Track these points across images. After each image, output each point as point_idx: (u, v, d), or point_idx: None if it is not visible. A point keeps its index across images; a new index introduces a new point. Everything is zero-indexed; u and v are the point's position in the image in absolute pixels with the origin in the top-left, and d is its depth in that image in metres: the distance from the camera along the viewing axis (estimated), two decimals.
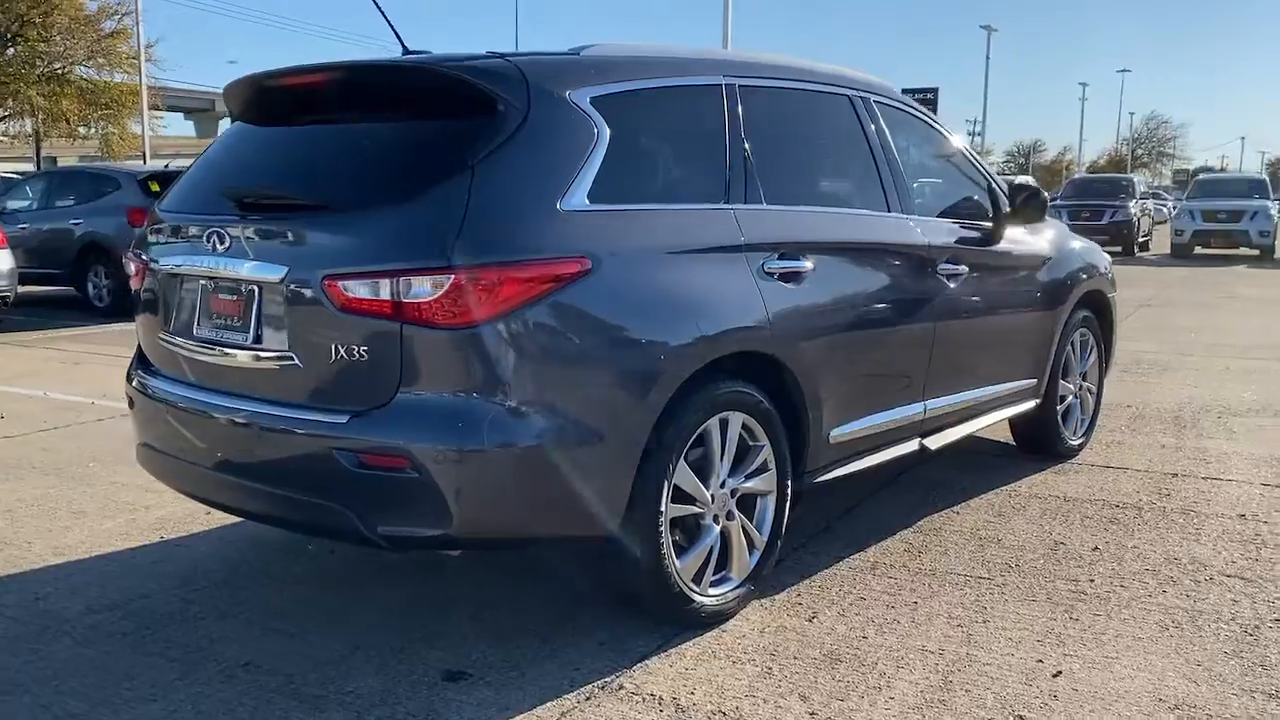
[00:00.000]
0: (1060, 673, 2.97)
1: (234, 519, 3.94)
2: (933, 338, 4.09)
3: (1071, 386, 5.31)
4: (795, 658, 3.08)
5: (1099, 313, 5.46)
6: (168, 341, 3.33)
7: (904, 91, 4.57)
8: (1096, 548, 4.00)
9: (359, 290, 2.77)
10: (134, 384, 3.52)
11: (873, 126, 4.07)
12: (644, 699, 2.85)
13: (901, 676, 2.95)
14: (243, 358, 3.06)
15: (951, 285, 4.17)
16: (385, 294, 2.73)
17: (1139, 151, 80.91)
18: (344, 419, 2.83)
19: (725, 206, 3.34)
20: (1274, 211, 22.26)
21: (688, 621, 3.25)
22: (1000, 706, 2.79)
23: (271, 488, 3.03)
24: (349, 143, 3.23)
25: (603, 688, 2.90)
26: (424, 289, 2.70)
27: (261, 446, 3.04)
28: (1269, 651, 3.11)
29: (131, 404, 3.57)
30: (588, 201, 2.94)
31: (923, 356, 4.07)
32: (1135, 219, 23.01)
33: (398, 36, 3.54)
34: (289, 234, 2.98)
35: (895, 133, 4.18)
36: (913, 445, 4.12)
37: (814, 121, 4.02)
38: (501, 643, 3.17)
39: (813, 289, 3.49)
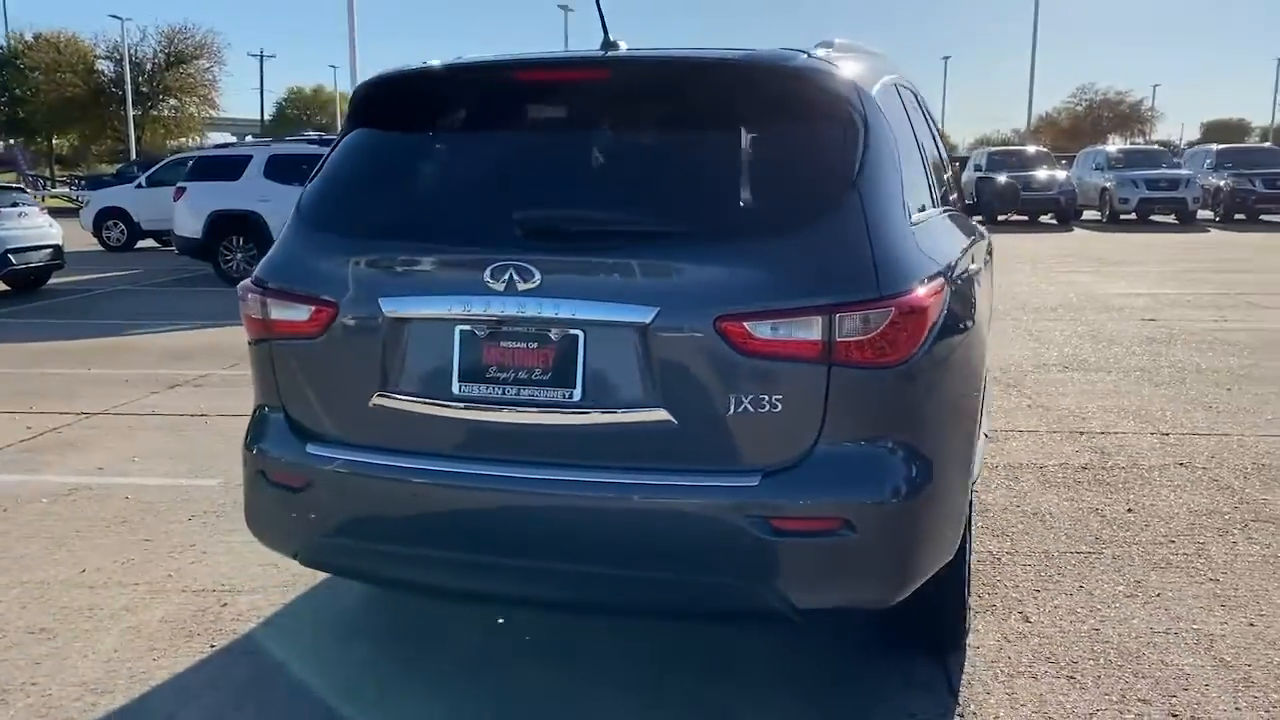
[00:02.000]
0: None
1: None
2: None
3: None
4: (1050, 659, 3.21)
5: None
6: (388, 404, 2.68)
7: None
8: None
9: (774, 331, 2.42)
10: (291, 459, 2.79)
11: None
12: None
13: None
14: (562, 418, 2.54)
15: None
16: (814, 334, 2.42)
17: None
18: (754, 480, 2.46)
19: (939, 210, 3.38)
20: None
21: (958, 648, 3.19)
22: None
23: (630, 571, 2.54)
24: (672, 154, 2.73)
25: None
26: (857, 324, 2.41)
27: (613, 523, 2.53)
28: None
29: (298, 488, 2.80)
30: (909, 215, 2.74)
31: None
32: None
33: (603, 25, 2.94)
34: (644, 269, 2.49)
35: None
36: None
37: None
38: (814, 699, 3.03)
39: None
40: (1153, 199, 24.23)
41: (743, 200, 2.58)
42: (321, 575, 3.87)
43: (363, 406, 2.72)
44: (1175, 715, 2.85)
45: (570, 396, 2.53)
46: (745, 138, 2.65)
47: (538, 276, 2.50)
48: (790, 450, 2.47)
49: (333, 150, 3.04)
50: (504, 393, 2.58)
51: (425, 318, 2.64)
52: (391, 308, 2.64)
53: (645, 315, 2.45)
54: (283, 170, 13.57)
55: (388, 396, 2.69)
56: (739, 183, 2.60)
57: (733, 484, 2.46)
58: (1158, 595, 3.62)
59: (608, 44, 2.92)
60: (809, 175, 2.60)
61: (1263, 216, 24.46)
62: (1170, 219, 24.58)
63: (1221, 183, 24.59)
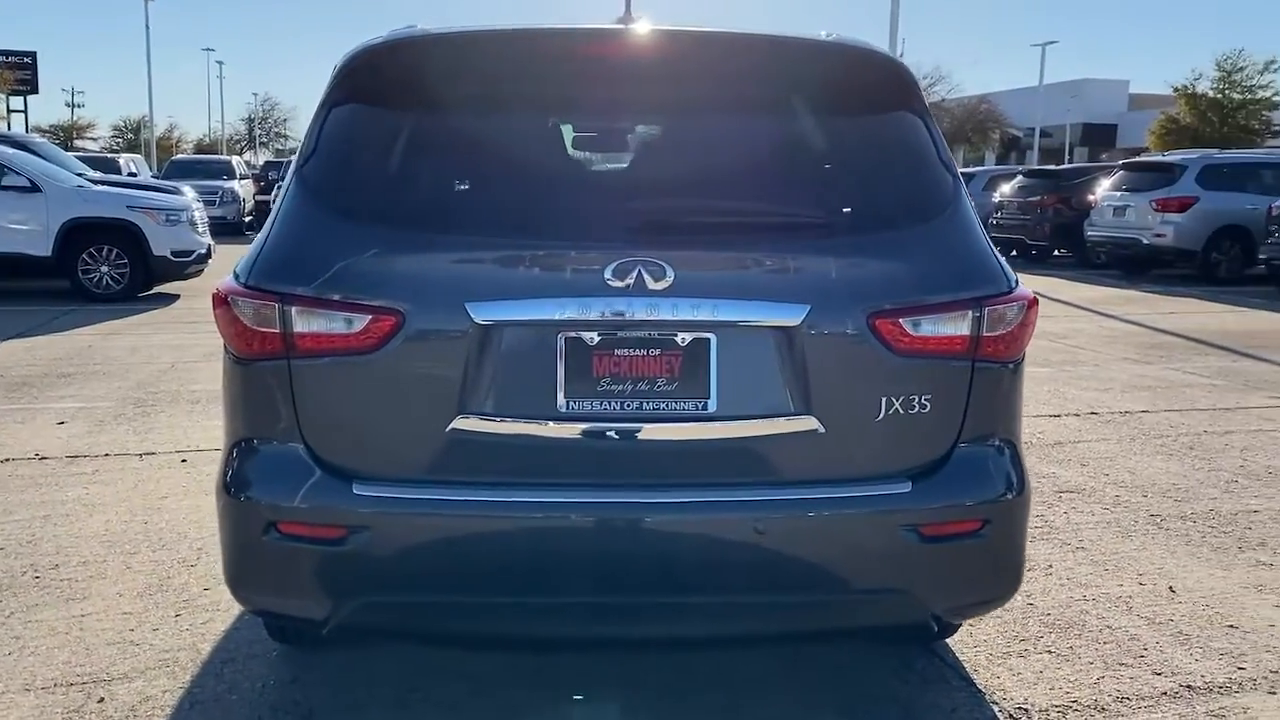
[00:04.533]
0: None
1: None
2: None
3: None
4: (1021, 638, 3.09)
5: None
6: (473, 427, 2.24)
7: None
8: None
9: (927, 327, 2.30)
10: (324, 504, 2.27)
11: None
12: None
13: None
14: (692, 432, 2.26)
15: None
16: (964, 329, 2.34)
17: (257, 131, 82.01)
18: (906, 487, 2.32)
19: None
20: None
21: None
22: None
23: (775, 596, 2.34)
24: (807, 141, 2.52)
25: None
26: (999, 318, 2.38)
27: (754, 547, 2.27)
28: None
29: (337, 539, 2.26)
30: None
31: None
32: (242, 199, 24.14)
33: (627, 6, 2.70)
34: (795, 264, 2.31)
35: None
36: None
37: None
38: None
39: None
40: None
41: (882, 191, 2.46)
42: (207, 643, 3.18)
43: (436, 433, 2.26)
44: (1158, 673, 3.11)
45: (703, 407, 2.25)
46: (873, 127, 2.54)
47: (671, 274, 2.21)
48: (934, 452, 2.39)
49: (340, 124, 2.45)
50: (622, 407, 2.26)
51: (525, 323, 2.24)
52: (485, 314, 2.21)
53: (796, 314, 2.25)
54: None
55: (473, 419, 2.24)
56: (876, 174, 2.49)
57: (885, 492, 2.34)
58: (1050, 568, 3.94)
59: (626, 18, 2.64)
60: (929, 167, 2.53)
61: None
62: None
63: None
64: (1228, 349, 9.27)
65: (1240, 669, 3.13)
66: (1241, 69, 40.12)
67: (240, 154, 48.45)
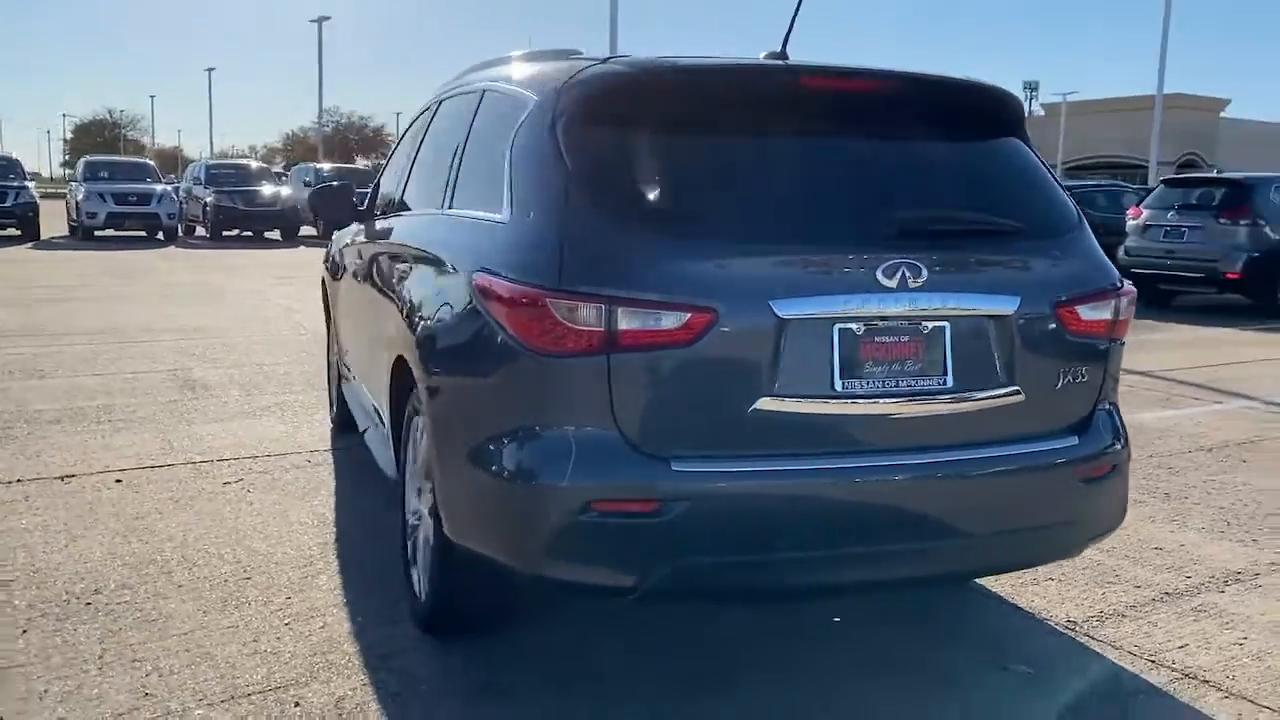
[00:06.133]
0: None
1: None
2: None
3: None
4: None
5: None
6: (772, 407, 2.59)
7: None
8: None
9: (1091, 312, 2.96)
10: (643, 482, 2.55)
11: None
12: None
13: None
14: (935, 406, 2.76)
15: None
16: (1108, 314, 3.01)
17: (353, 139, 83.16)
18: (1074, 440, 2.96)
19: None
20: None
21: None
22: None
23: (991, 535, 2.88)
24: (988, 161, 3.11)
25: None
26: (1124, 305, 3.06)
27: (979, 494, 2.81)
28: None
29: (651, 512, 2.54)
30: None
31: None
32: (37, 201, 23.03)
33: (784, 43, 3.06)
34: (1006, 263, 2.91)
35: None
36: None
37: None
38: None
39: None
40: None
41: (1043, 204, 3.05)
42: (345, 643, 3.24)
43: (740, 413, 2.60)
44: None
45: (943, 384, 2.75)
46: (1021, 152, 3.15)
47: (925, 273, 2.69)
48: (1085, 413, 3.03)
49: (616, 141, 2.74)
50: (882, 386, 2.70)
51: (814, 318, 2.63)
52: (786, 310, 2.59)
53: (1011, 305, 2.80)
54: None
55: (771, 400, 2.61)
56: (1035, 189, 3.08)
57: (1063, 445, 2.95)
58: None
59: (782, 53, 3.10)
60: (1056, 184, 3.15)
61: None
62: None
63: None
64: None
65: (1188, 578, 4.04)
66: None
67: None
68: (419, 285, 3.37)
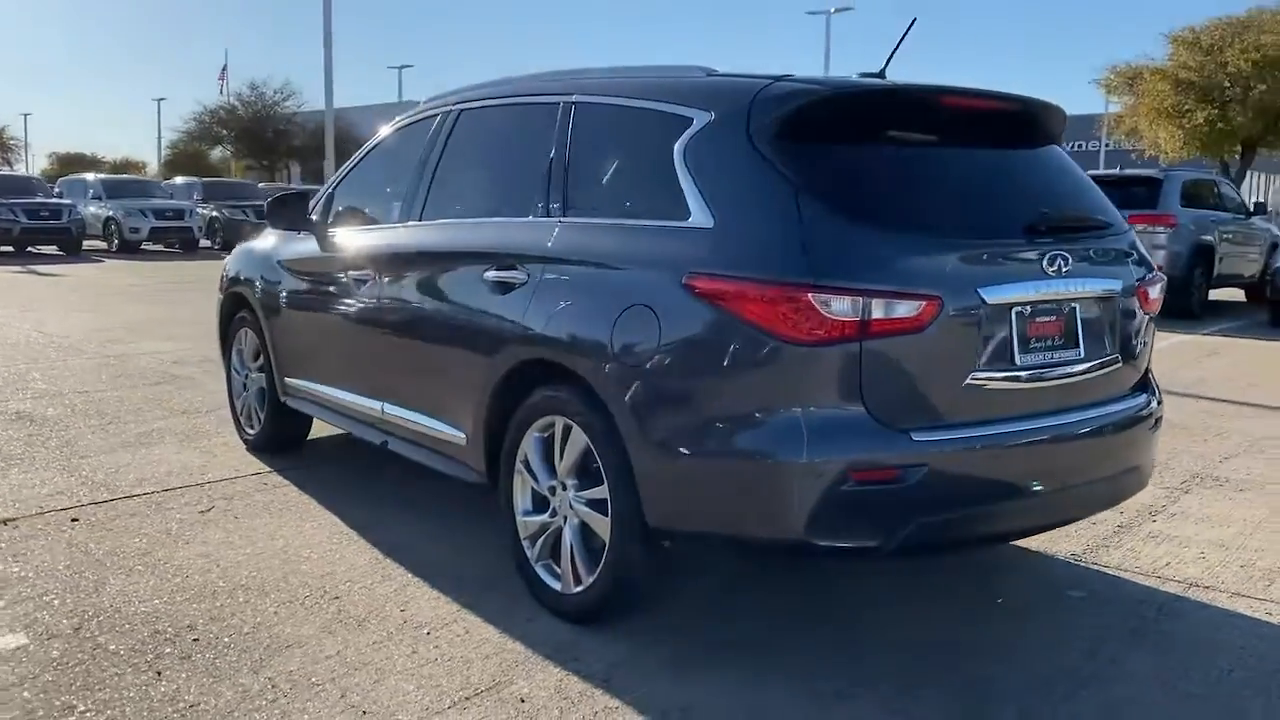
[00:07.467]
0: None
1: None
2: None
3: None
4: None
5: None
6: (979, 381, 3.09)
7: None
8: None
9: (1155, 292, 3.68)
10: (888, 452, 2.94)
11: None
12: None
13: None
14: (1074, 371, 3.32)
15: None
16: (1159, 293, 3.74)
17: None
18: (1144, 397, 3.65)
19: None
20: None
21: None
22: None
23: (1110, 474, 3.50)
24: (1055, 166, 3.66)
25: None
26: (1161, 286, 3.75)
27: (1104, 442, 3.45)
28: None
29: (894, 478, 2.93)
30: None
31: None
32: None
33: (886, 64, 3.44)
34: (1110, 253, 3.54)
35: None
36: None
37: None
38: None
39: None
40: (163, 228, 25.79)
41: (1105, 203, 3.72)
42: (517, 642, 3.32)
43: (955, 388, 3.06)
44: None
45: (1078, 355, 3.35)
46: (1075, 159, 3.85)
47: (1071, 261, 3.27)
48: (1143, 375, 3.73)
49: (834, 151, 3.14)
50: (1044, 358, 3.26)
51: (1006, 303, 3.12)
52: (992, 296, 3.08)
53: (1117, 286, 3.47)
54: None
55: (978, 374, 3.10)
56: (1094, 189, 3.73)
57: (1145, 399, 3.66)
58: None
59: (882, 73, 3.58)
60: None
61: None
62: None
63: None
64: None
65: (1122, 514, 4.89)
66: None
67: None
68: (577, 292, 3.46)
